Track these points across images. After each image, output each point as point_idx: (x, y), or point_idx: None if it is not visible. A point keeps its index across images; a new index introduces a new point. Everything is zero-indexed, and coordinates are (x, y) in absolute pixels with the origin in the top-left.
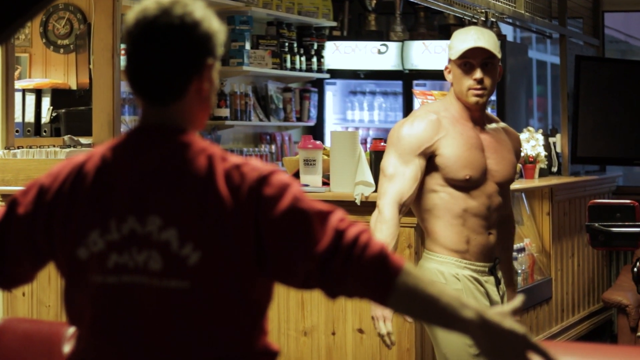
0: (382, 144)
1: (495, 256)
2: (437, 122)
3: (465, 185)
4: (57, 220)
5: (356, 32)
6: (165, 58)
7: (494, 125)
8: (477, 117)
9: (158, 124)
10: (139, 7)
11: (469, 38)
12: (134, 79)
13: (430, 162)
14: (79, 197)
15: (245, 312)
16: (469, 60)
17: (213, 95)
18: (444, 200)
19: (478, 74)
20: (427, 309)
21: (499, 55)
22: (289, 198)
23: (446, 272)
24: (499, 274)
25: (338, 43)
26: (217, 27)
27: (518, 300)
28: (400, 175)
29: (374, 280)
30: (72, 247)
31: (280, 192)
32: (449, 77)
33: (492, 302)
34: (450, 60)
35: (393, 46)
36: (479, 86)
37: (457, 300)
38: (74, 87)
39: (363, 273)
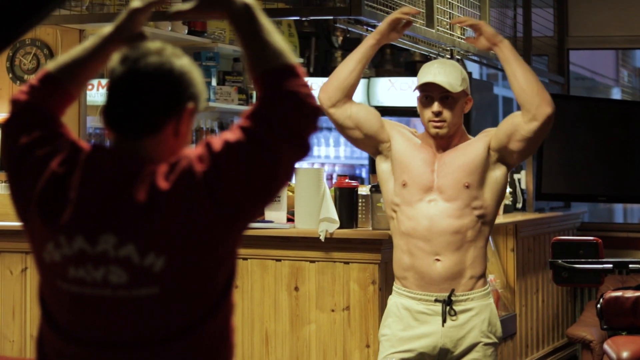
0: (347, 180)
1: (450, 287)
2: (402, 130)
3: (405, 198)
4: (34, 199)
5: (322, 68)
6: (147, 95)
7: (464, 144)
8: (444, 145)
9: (129, 154)
10: (128, 49)
11: (429, 72)
12: (111, 114)
13: (388, 164)
14: (50, 198)
15: (216, 285)
16: (428, 93)
17: (186, 144)
18: (393, 223)
19: (435, 107)
20: None
21: (460, 89)
22: (217, 145)
23: (391, 299)
24: (459, 307)
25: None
26: (200, 79)
27: None
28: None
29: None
30: (39, 248)
31: (209, 149)
32: (418, 108)
33: (431, 332)
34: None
35: (359, 83)
36: (437, 119)
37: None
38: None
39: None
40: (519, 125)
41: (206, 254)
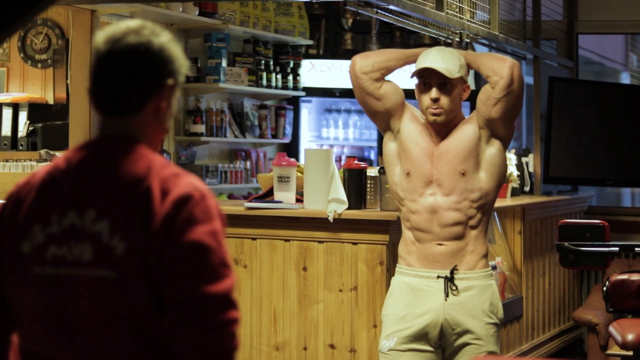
0: (356, 162)
1: (453, 263)
2: (415, 113)
3: (408, 191)
4: (6, 221)
5: (332, 50)
6: (127, 74)
7: (458, 129)
8: (443, 132)
9: (112, 133)
10: (109, 28)
11: (427, 58)
12: (96, 93)
13: (396, 145)
14: (27, 197)
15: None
16: (426, 79)
17: (169, 119)
18: (401, 214)
19: (433, 93)
20: None
21: (458, 75)
22: (204, 230)
23: (394, 280)
24: (461, 284)
25: (314, 61)
26: (180, 55)
27: None
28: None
29: None
30: (17, 242)
31: (201, 218)
32: (416, 94)
33: (433, 306)
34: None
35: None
36: (435, 105)
37: None
38: (51, 101)
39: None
40: (489, 92)
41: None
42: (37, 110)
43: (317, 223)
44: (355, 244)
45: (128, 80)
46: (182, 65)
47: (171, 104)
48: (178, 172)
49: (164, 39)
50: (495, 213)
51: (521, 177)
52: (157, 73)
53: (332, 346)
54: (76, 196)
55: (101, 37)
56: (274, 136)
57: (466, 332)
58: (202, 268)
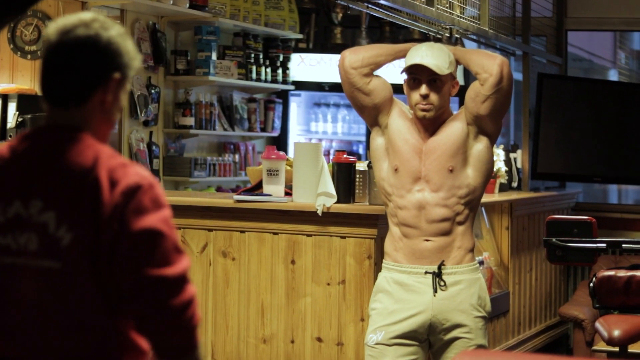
0: (345, 156)
1: (440, 259)
2: (402, 108)
3: (397, 187)
4: None
5: (322, 44)
6: (73, 66)
7: (446, 125)
8: (431, 128)
9: (57, 123)
10: (62, 19)
11: (417, 54)
12: (44, 83)
13: (384, 143)
14: None
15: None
16: (416, 76)
17: (116, 112)
18: (388, 209)
19: (423, 90)
20: None
21: (448, 72)
22: (155, 217)
23: (381, 275)
24: (449, 279)
25: (303, 55)
26: (130, 49)
27: None
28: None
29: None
30: None
31: (151, 207)
32: (405, 90)
33: (422, 301)
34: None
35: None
36: (424, 102)
37: None
38: (40, 93)
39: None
40: (478, 89)
41: (105, 259)
42: (26, 101)
43: (305, 216)
44: (344, 237)
45: (73, 72)
46: (132, 59)
47: (118, 98)
48: (125, 162)
49: (113, 32)
50: (482, 208)
51: (509, 172)
52: (103, 66)
53: (319, 339)
54: (22, 186)
55: (53, 28)
56: (263, 129)
57: (456, 326)
58: (158, 253)
